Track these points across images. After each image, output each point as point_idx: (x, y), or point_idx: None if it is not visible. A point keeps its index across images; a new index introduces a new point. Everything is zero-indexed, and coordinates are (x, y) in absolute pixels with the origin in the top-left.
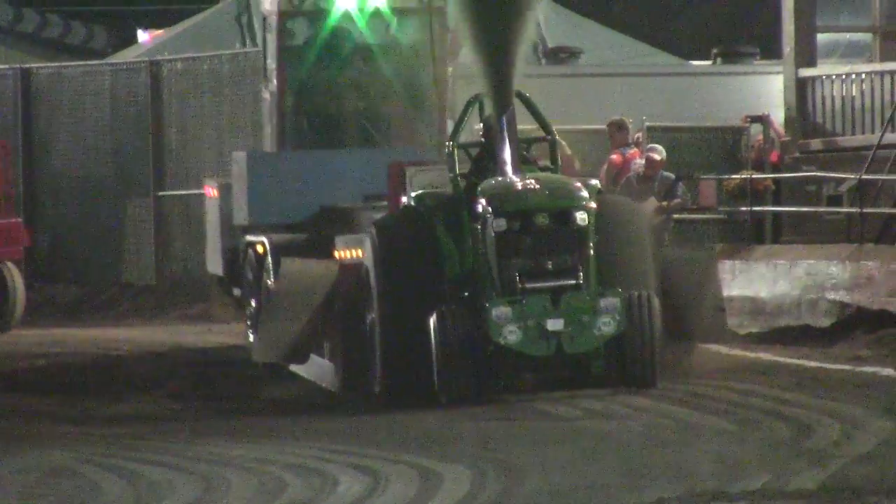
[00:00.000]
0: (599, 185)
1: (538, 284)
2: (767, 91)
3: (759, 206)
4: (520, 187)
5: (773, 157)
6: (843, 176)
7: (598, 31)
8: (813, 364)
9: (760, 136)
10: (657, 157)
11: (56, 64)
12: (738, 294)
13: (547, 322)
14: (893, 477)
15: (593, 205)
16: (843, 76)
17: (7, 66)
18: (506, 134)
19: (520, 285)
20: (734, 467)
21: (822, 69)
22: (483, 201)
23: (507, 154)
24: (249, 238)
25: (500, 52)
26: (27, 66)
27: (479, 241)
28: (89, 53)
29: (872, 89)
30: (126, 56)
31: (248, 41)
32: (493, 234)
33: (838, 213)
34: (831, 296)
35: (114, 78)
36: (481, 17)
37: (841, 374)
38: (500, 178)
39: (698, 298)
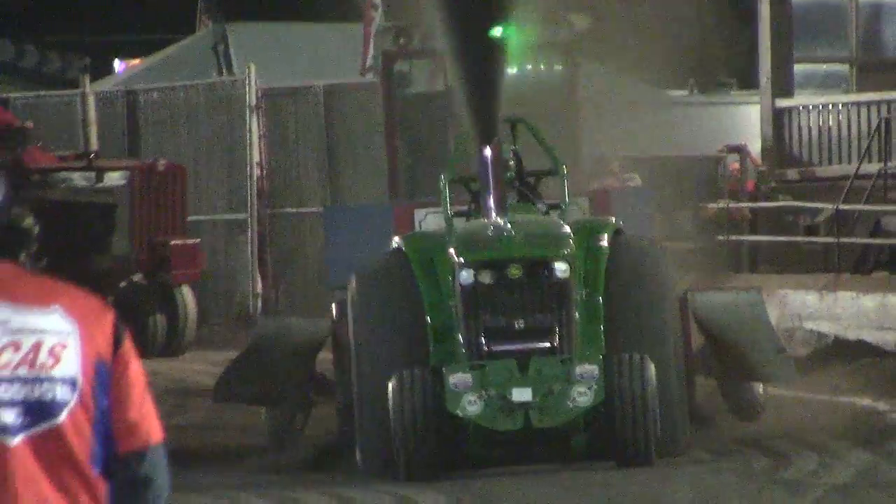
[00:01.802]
0: (617, 224)
1: (506, 347)
2: (744, 121)
3: (735, 235)
4: (492, 233)
5: (750, 186)
6: (820, 206)
7: None
8: (790, 394)
9: (736, 165)
10: (633, 185)
11: (33, 93)
12: None
13: (512, 392)
14: None
15: (573, 253)
16: (820, 107)
17: None
18: (489, 168)
19: (486, 348)
20: (711, 497)
21: (798, 100)
22: (452, 249)
23: (490, 192)
24: None
25: (482, 74)
26: (4, 95)
27: (451, 294)
28: (66, 83)
29: (849, 120)
30: (102, 86)
31: (224, 70)
32: (459, 287)
33: (815, 242)
34: (808, 325)
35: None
36: (461, 37)
37: (818, 403)
38: (476, 222)
39: (753, 341)
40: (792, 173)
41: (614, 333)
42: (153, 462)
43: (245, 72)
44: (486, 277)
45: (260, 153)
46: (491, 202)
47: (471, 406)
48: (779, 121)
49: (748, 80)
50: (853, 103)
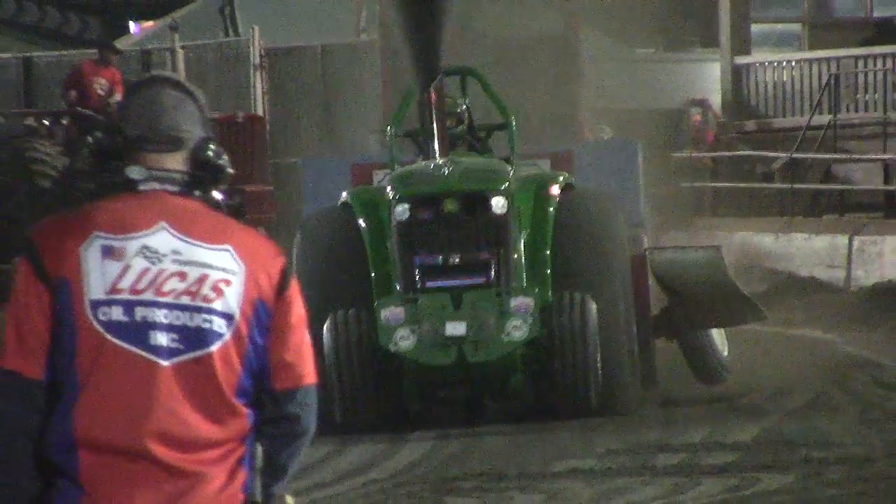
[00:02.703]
0: (570, 179)
1: (441, 283)
2: (705, 77)
3: (698, 182)
4: (429, 170)
5: (710, 137)
6: (775, 155)
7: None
8: (748, 327)
9: (699, 117)
10: (605, 137)
11: (55, 53)
12: None
13: (446, 325)
14: (822, 430)
15: (512, 190)
16: (776, 63)
17: (10, 55)
18: (432, 111)
19: (420, 284)
20: (677, 422)
21: (755, 57)
22: (388, 187)
23: (434, 134)
24: None
25: (424, 18)
26: (28, 54)
27: (390, 233)
28: (85, 43)
29: (802, 75)
30: (119, 45)
31: (230, 32)
32: (395, 223)
33: (771, 188)
34: (765, 264)
35: None
36: None
37: (775, 335)
38: (418, 163)
39: (718, 292)
40: (750, 125)
41: (561, 277)
42: (303, 401)
43: (249, 33)
44: (422, 212)
45: (263, 108)
46: (434, 144)
47: (403, 341)
48: (737, 76)
49: (709, 40)
50: (805, 60)
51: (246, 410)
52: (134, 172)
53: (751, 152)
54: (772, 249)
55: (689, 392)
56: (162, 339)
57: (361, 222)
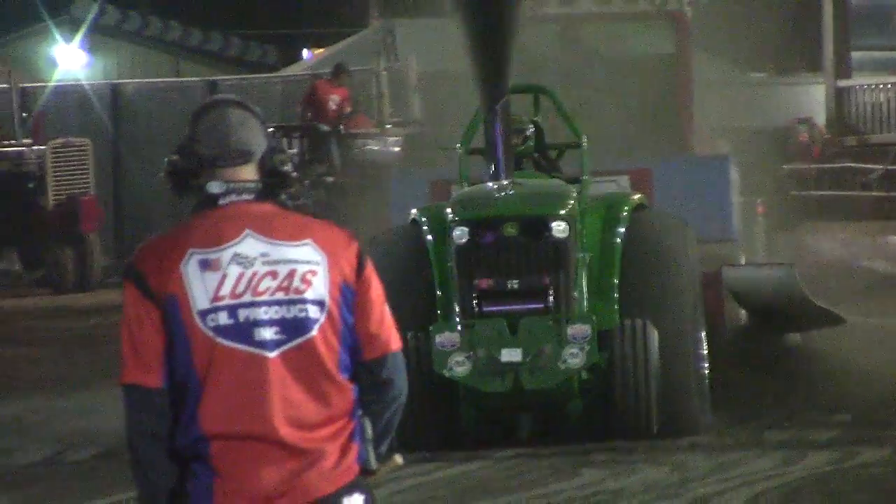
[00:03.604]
0: (643, 200)
1: (498, 308)
2: (811, 98)
3: (804, 191)
4: (490, 193)
5: (816, 151)
6: (873, 167)
7: None
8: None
9: (805, 135)
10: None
11: (237, 76)
12: None
13: (501, 352)
14: None
15: (575, 214)
16: (873, 86)
17: (197, 79)
18: (497, 133)
19: (477, 308)
20: (785, 403)
21: (856, 80)
22: (448, 209)
23: (499, 155)
24: None
25: (490, 35)
26: (213, 78)
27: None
28: (263, 68)
29: None
30: (293, 70)
31: (391, 59)
32: (453, 247)
33: (869, 196)
34: (864, 264)
35: (284, 88)
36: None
37: (868, 325)
38: (480, 185)
39: (794, 305)
40: (850, 140)
41: (628, 301)
42: (393, 366)
43: (408, 59)
44: (480, 236)
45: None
46: (498, 165)
47: (458, 367)
48: (840, 98)
49: (814, 65)
50: None
51: (349, 385)
52: (214, 188)
53: (851, 164)
54: (870, 251)
55: (786, 383)
56: (266, 333)
57: (429, 240)
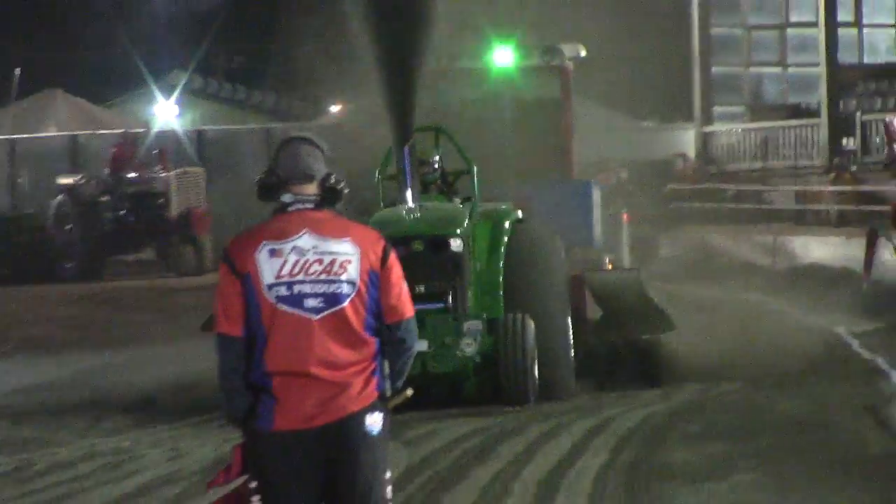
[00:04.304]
0: (520, 215)
1: None
2: (685, 139)
3: (680, 204)
4: (402, 215)
5: (690, 177)
6: (728, 186)
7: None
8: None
9: (681, 164)
10: (623, 176)
11: (282, 124)
12: None
13: None
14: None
15: (467, 234)
16: (728, 131)
17: (256, 127)
18: (406, 165)
19: None
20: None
21: (716, 127)
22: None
23: (407, 183)
24: None
25: (400, 87)
26: (267, 126)
27: None
28: (302, 118)
29: (745, 139)
30: (322, 120)
31: None
32: None
33: (725, 207)
34: (722, 256)
35: (317, 132)
36: (383, 59)
37: (733, 301)
38: (396, 207)
39: (634, 307)
40: (712, 168)
41: (510, 297)
42: (406, 328)
43: None
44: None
45: None
46: (407, 192)
47: None
48: (705, 139)
49: (688, 115)
50: (747, 129)
51: (372, 339)
52: (286, 198)
53: (712, 185)
54: (728, 245)
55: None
56: (311, 302)
57: None
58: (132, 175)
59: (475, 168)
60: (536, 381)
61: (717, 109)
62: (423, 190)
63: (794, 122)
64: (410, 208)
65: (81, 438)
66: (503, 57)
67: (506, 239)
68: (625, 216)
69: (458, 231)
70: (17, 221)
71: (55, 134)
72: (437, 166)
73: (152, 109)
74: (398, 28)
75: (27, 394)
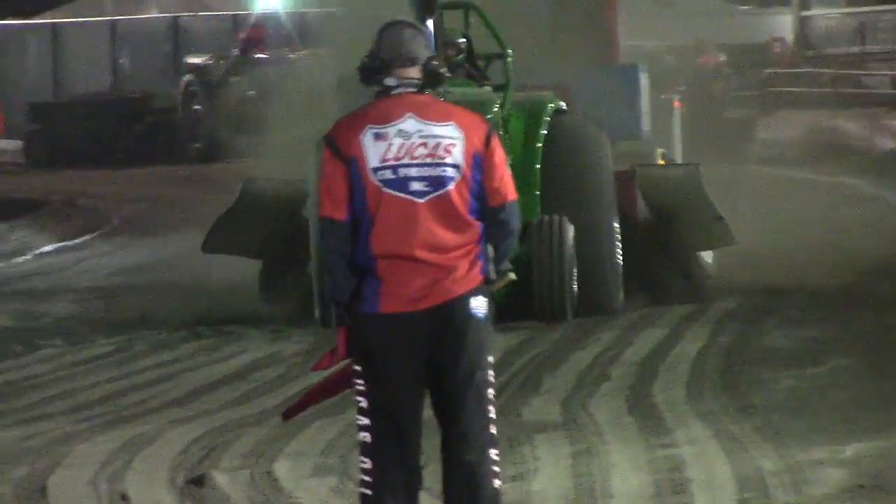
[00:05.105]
0: (563, 106)
1: None
2: (781, 23)
3: (783, 87)
4: None
5: (786, 60)
6: (825, 71)
7: None
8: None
9: (778, 49)
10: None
11: None
12: None
13: None
14: None
15: (496, 118)
16: (827, 15)
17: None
18: (432, 45)
19: None
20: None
21: (814, 11)
22: None
23: None
24: None
25: None
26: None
27: None
28: None
29: (842, 23)
30: None
31: None
32: None
33: (823, 91)
34: (828, 138)
35: None
36: None
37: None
38: None
39: (690, 211)
40: (810, 53)
41: (549, 197)
42: (509, 211)
43: None
44: None
45: None
46: None
47: None
48: (803, 23)
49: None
50: (845, 13)
51: (476, 223)
52: (390, 81)
53: (810, 69)
54: (825, 128)
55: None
56: (417, 186)
57: None
58: (262, 56)
59: (509, 51)
60: (575, 295)
61: None
62: (449, 75)
63: (891, 6)
64: (435, 93)
65: (181, 319)
66: None
67: (543, 132)
68: (676, 103)
69: (489, 116)
70: (144, 101)
71: (157, 15)
72: (463, 48)
73: None
74: None
75: (126, 274)
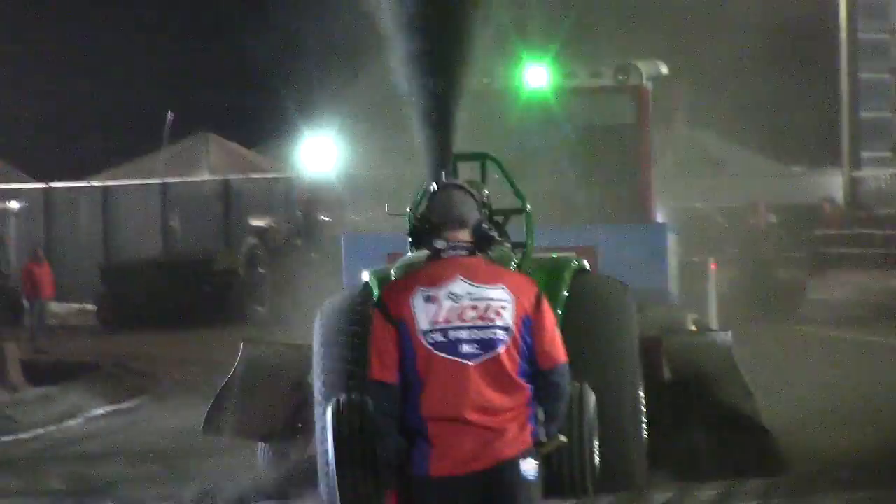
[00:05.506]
0: (585, 265)
1: None
2: (832, 182)
3: (832, 248)
4: None
5: (836, 221)
6: (876, 232)
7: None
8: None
9: (828, 207)
10: (773, 220)
11: None
12: None
13: None
14: None
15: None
16: (877, 177)
17: None
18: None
19: None
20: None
21: (864, 172)
22: (393, 273)
23: None
24: None
25: (436, 102)
26: None
27: None
28: None
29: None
30: None
31: None
32: None
33: (873, 252)
34: (875, 299)
35: None
36: (416, 69)
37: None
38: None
39: (717, 384)
40: (860, 213)
41: (570, 363)
42: (560, 373)
43: None
44: None
45: None
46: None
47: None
48: (853, 184)
49: (835, 160)
50: None
51: (527, 385)
52: (440, 244)
53: (861, 230)
54: (877, 289)
55: None
56: (467, 349)
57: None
58: (325, 217)
59: (529, 206)
60: (597, 467)
61: (865, 154)
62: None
63: None
64: None
65: (229, 476)
66: (536, 77)
67: (565, 293)
68: (712, 265)
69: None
70: (207, 263)
71: (208, 178)
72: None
73: (306, 153)
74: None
75: (176, 436)
